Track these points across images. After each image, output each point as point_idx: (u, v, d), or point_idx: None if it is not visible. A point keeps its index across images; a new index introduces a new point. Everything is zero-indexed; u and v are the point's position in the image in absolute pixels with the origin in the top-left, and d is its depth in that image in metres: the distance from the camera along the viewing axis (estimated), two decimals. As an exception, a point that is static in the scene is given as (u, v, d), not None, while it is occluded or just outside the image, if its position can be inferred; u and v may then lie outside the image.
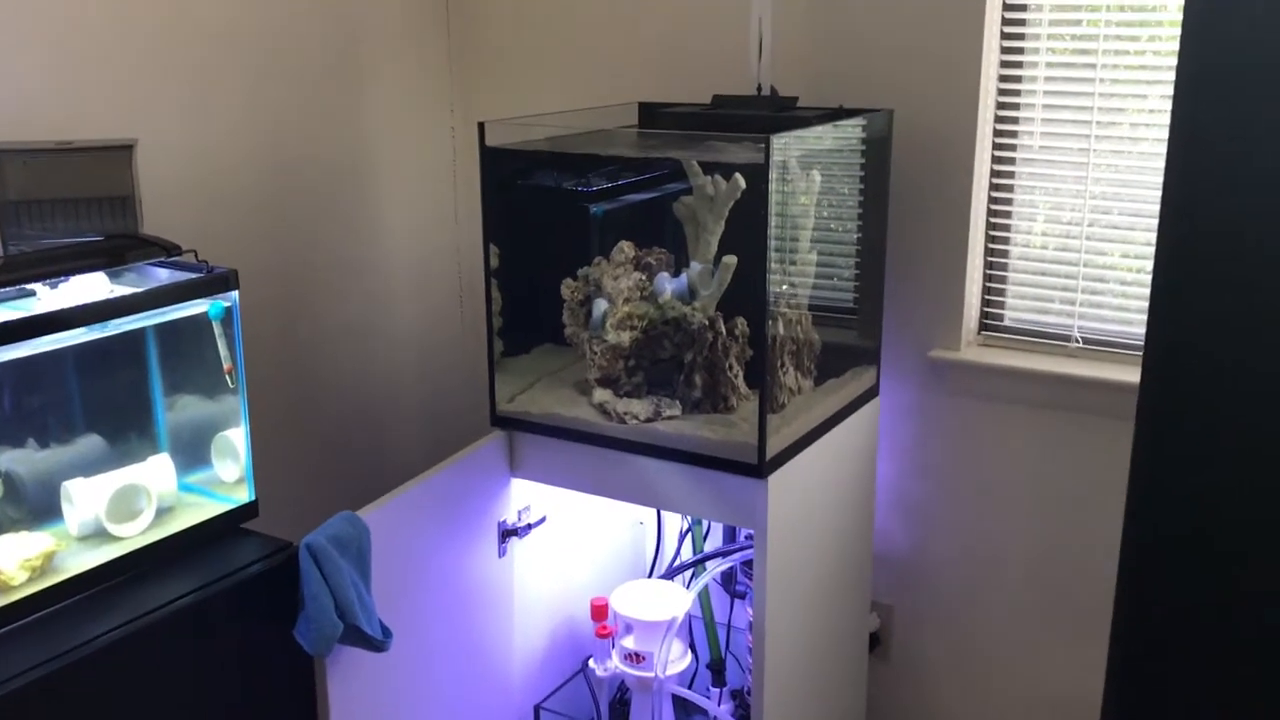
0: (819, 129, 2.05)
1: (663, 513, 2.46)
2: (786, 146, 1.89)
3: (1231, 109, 1.45)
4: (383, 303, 2.74)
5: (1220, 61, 1.45)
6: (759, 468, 1.89)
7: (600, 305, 2.11)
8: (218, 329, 1.73)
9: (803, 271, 2.11)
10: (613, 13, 2.58)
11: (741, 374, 2.04)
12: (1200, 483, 1.57)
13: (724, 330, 2.02)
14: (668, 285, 2.09)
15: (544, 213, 2.27)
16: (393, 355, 2.79)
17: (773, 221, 1.83)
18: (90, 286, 1.67)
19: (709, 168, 2.01)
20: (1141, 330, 2.22)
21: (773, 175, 1.80)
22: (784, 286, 2.04)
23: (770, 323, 1.91)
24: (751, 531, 1.97)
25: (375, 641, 1.73)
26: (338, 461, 2.66)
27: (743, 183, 1.97)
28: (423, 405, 2.88)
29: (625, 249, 2.12)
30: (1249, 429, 1.51)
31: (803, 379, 2.10)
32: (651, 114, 2.35)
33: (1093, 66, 2.19)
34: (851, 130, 2.16)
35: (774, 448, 1.91)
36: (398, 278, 2.77)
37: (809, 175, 2.04)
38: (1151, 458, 1.63)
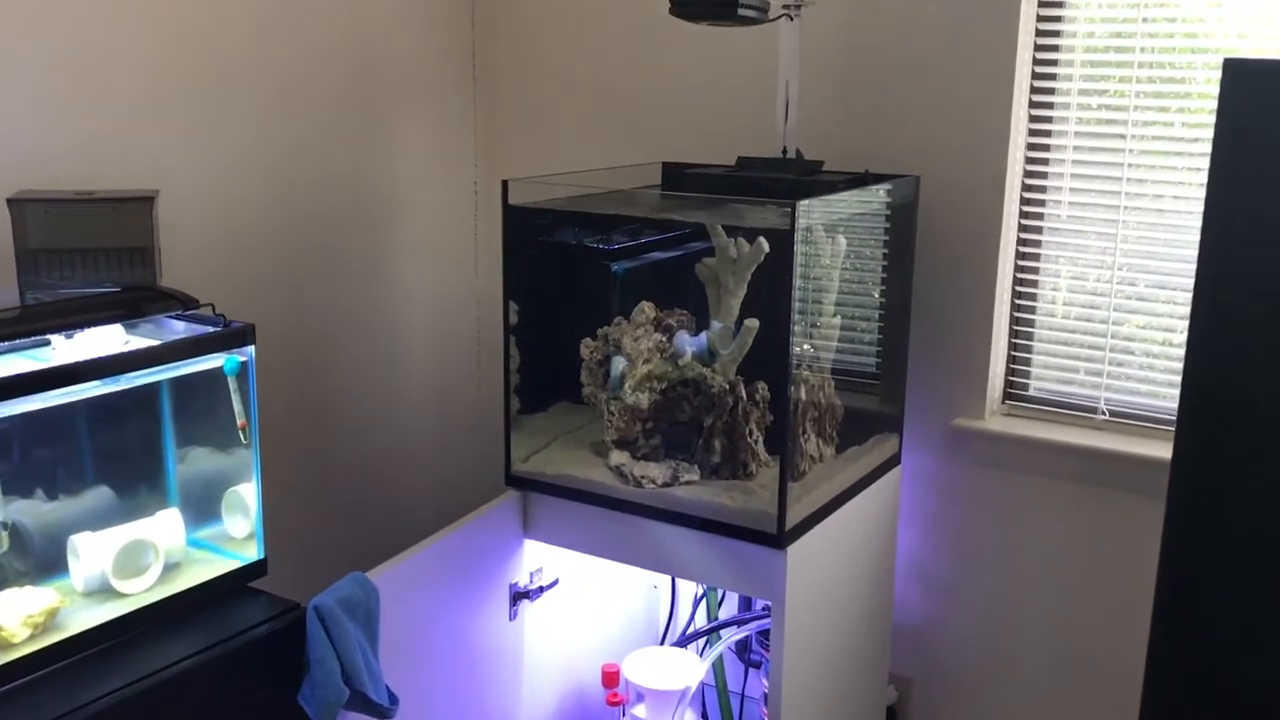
0: (845, 194, 2.03)
1: (677, 578, 2.41)
2: (811, 211, 1.87)
3: (1269, 177, 1.42)
4: (399, 357, 2.72)
5: (1258, 130, 1.42)
6: (778, 538, 1.85)
7: (619, 364, 2.09)
8: (233, 384, 1.71)
9: (826, 336, 2.08)
10: (639, 71, 2.58)
11: (762, 440, 2.01)
12: (1235, 558, 1.53)
13: (745, 395, 1.99)
14: (688, 345, 2.07)
15: (564, 270, 2.26)
16: (407, 410, 2.76)
17: (797, 286, 1.80)
18: (106, 338, 1.65)
19: (732, 231, 1.99)
20: (1169, 404, 2.19)
21: (798, 240, 1.77)
22: (807, 351, 2.01)
23: (793, 388, 1.88)
24: (768, 601, 1.92)
25: (381, 709, 1.69)
26: (348, 518, 2.63)
27: (766, 247, 1.95)
28: (436, 462, 2.85)
29: (646, 309, 2.10)
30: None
31: (824, 446, 2.06)
32: (675, 174, 2.34)
33: (1122, 137, 2.17)
34: (878, 195, 2.14)
35: (794, 517, 1.87)
36: (415, 332, 2.75)
37: (834, 240, 2.02)
38: (1184, 534, 1.59)
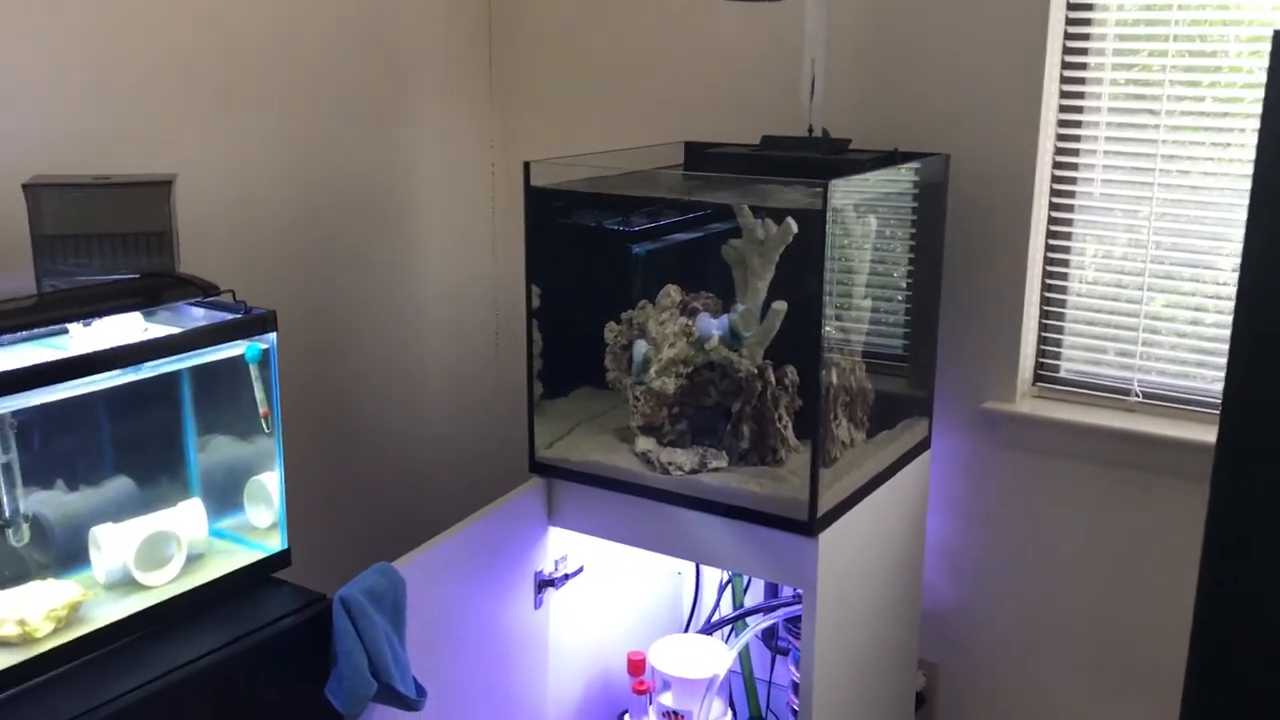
0: (877, 173, 1.99)
1: (706, 565, 2.38)
2: (844, 191, 1.82)
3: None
4: (417, 343, 2.69)
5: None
6: (810, 525, 1.82)
7: (640, 347, 2.05)
8: (254, 372, 1.67)
9: (857, 319, 2.04)
10: (659, 50, 2.54)
11: (791, 425, 1.97)
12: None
13: (773, 379, 1.95)
14: (713, 328, 2.03)
15: (586, 253, 2.22)
16: (426, 397, 2.73)
17: (829, 268, 1.76)
18: (124, 326, 1.62)
19: (759, 211, 1.95)
20: (1204, 385, 2.15)
21: (830, 220, 1.73)
22: (838, 333, 1.97)
23: (824, 372, 1.84)
24: (799, 589, 1.89)
25: (409, 701, 1.66)
26: (370, 506, 2.60)
27: (795, 227, 1.91)
28: (457, 448, 2.82)
29: (672, 293, 2.06)
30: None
31: (855, 431, 2.02)
32: (698, 154, 2.29)
33: (1155, 112, 2.12)
34: (907, 175, 2.10)
35: (826, 504, 1.84)
36: (432, 316, 2.72)
37: (864, 221, 1.98)
38: (1229, 514, 1.54)
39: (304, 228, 2.37)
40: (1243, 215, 2.06)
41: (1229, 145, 2.08)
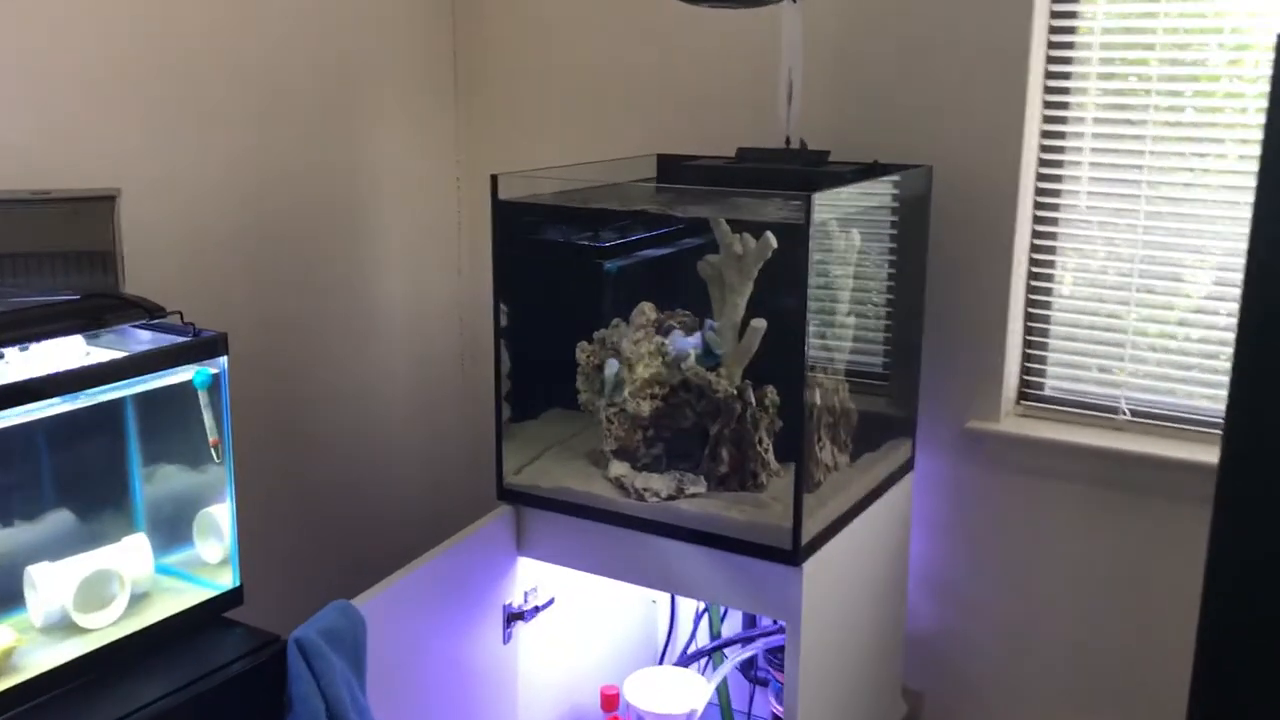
0: (859, 186, 1.92)
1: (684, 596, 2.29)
2: (826, 204, 1.75)
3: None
4: (380, 363, 2.58)
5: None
6: (794, 554, 1.73)
7: (612, 366, 1.96)
8: (203, 398, 1.57)
9: (840, 336, 1.97)
10: (631, 60, 2.46)
11: (772, 448, 1.89)
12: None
13: (753, 400, 1.87)
14: (688, 345, 1.95)
15: (556, 269, 2.13)
16: (390, 420, 2.62)
17: (812, 284, 1.68)
18: (65, 351, 1.51)
19: (737, 225, 1.87)
20: (1191, 402, 2.09)
21: (813, 235, 1.65)
22: (821, 352, 1.89)
23: (808, 393, 1.76)
24: (782, 620, 1.80)
25: (371, 748, 1.56)
26: (330, 538, 2.48)
27: (774, 242, 1.83)
28: (422, 475, 2.72)
29: (646, 311, 1.98)
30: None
31: (839, 454, 1.94)
32: (672, 167, 2.21)
33: (1143, 123, 2.07)
34: (889, 188, 2.03)
35: (809, 531, 1.76)
36: (396, 336, 2.62)
37: (848, 235, 1.91)
38: (1234, 539, 1.48)
39: (258, 244, 2.26)
40: (1226, 227, 2.01)
41: (1221, 157, 2.02)
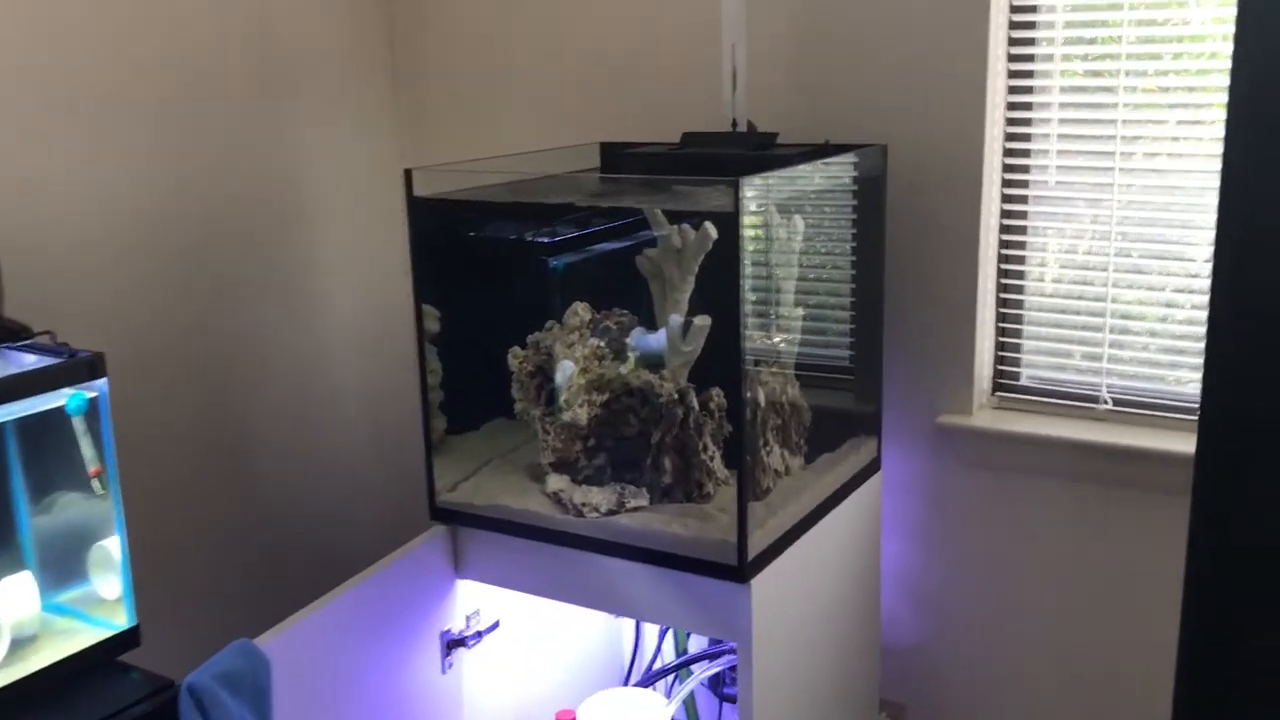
0: (800, 168, 1.78)
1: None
2: (762, 189, 1.61)
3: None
4: (320, 375, 2.44)
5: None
6: (740, 570, 1.59)
7: (566, 369, 1.82)
8: (80, 425, 1.44)
9: (787, 330, 1.83)
10: (573, 44, 2.32)
11: (719, 455, 1.75)
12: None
13: (696, 404, 1.73)
14: (652, 341, 1.81)
15: (491, 270, 1.99)
16: (330, 435, 2.48)
17: (746, 275, 1.54)
18: (-76, 377, 1.39)
19: (676, 216, 1.74)
20: (1175, 388, 1.95)
21: (744, 223, 1.52)
22: (766, 348, 1.75)
23: (749, 393, 1.62)
24: (732, 642, 1.67)
25: (276, 800, 1.43)
26: (249, 567, 2.30)
27: (714, 232, 1.69)
28: (368, 492, 2.57)
29: (580, 311, 1.84)
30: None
31: (790, 457, 1.80)
32: (615, 156, 2.08)
33: (1114, 90, 1.92)
34: (840, 169, 1.89)
35: (758, 545, 1.62)
36: (338, 344, 2.48)
37: (790, 221, 1.77)
38: (1212, 531, 1.34)
39: (177, 253, 2.12)
40: (1213, 199, 1.86)
41: (1196, 123, 1.87)
